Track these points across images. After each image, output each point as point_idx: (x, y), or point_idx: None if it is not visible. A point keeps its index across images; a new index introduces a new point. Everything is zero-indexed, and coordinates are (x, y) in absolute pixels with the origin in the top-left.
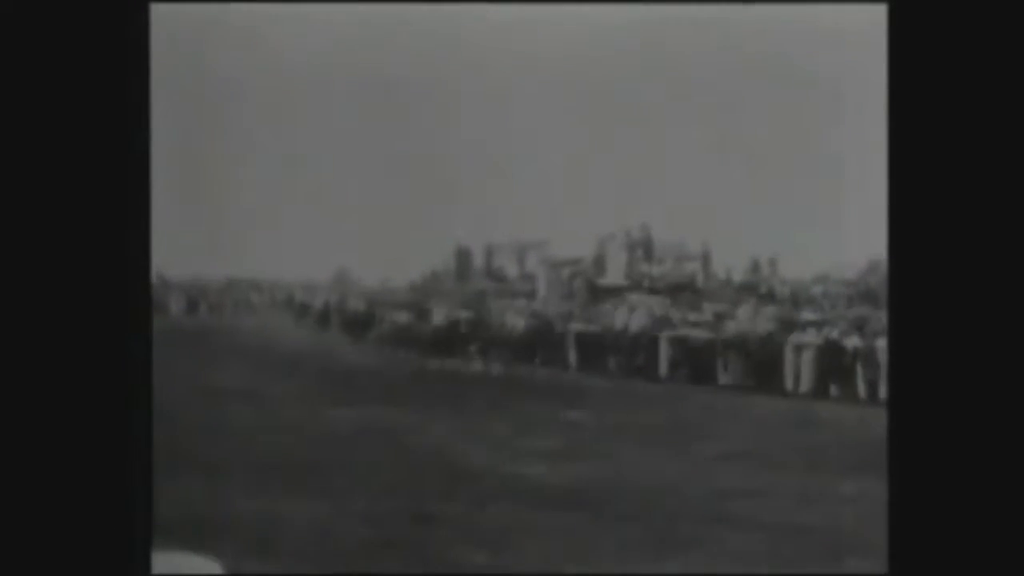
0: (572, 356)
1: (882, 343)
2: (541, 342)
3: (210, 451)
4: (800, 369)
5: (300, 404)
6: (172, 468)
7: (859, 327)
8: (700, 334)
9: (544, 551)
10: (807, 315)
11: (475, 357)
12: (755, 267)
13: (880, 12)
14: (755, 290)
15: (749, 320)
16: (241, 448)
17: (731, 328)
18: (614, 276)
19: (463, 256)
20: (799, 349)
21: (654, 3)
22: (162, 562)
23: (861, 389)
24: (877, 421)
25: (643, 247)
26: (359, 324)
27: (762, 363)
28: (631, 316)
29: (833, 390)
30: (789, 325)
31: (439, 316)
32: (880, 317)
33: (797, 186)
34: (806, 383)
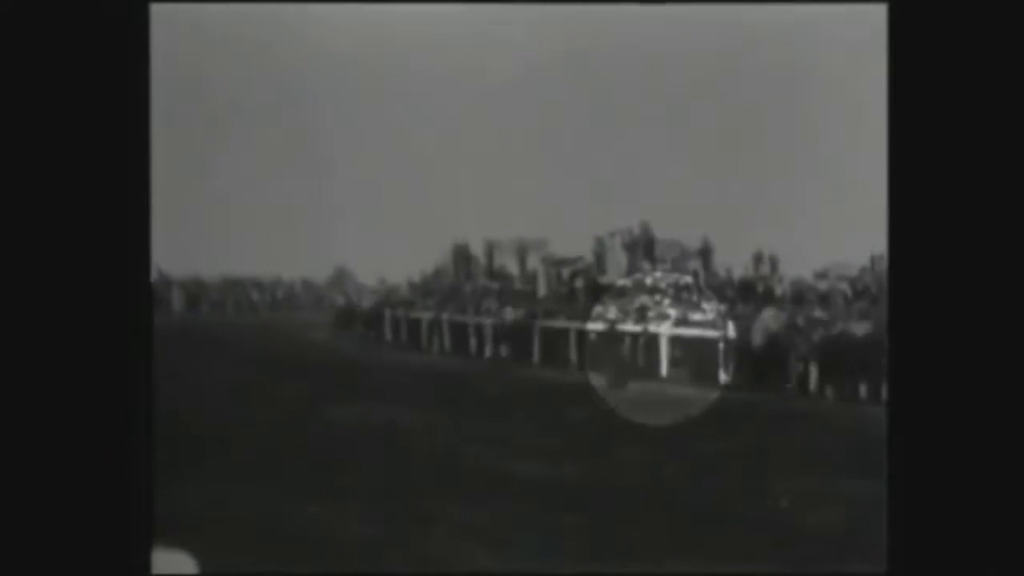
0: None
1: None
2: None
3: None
4: (800, 368)
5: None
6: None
7: (859, 325)
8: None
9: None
10: (809, 313)
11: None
12: (756, 264)
13: (880, 12)
14: (754, 288)
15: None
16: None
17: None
18: (615, 275)
19: (461, 254)
20: (799, 348)
21: (656, 3)
22: None
23: (862, 388)
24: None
25: (644, 246)
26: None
27: (763, 362)
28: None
29: (833, 389)
30: (790, 323)
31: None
32: (879, 315)
33: (798, 184)
34: (807, 382)
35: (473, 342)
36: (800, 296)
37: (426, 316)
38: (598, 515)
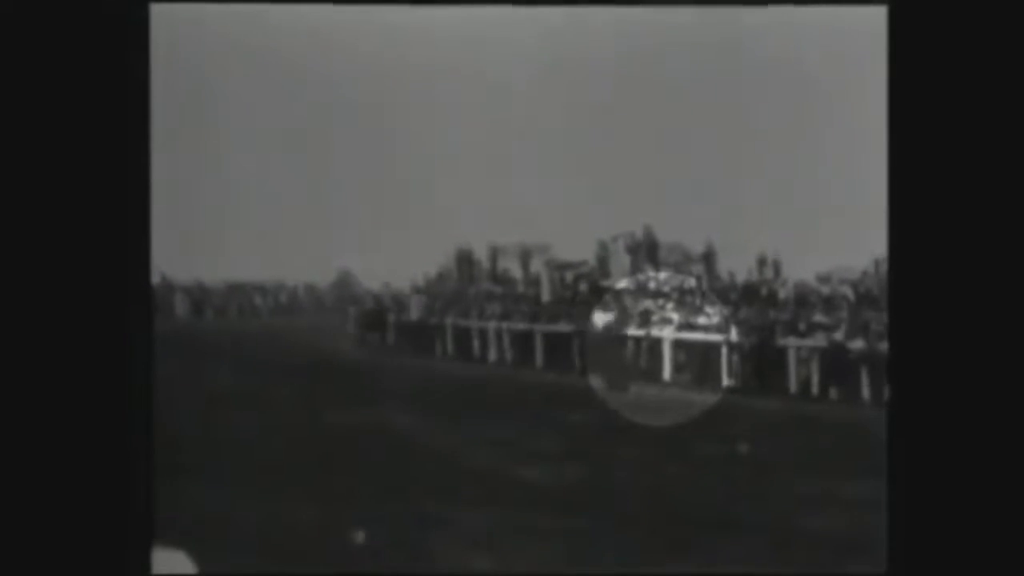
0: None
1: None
2: None
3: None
4: (803, 371)
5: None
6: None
7: (863, 329)
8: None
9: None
10: (812, 317)
11: None
12: (759, 268)
13: (880, 12)
14: (758, 292)
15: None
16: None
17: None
18: (618, 278)
19: (465, 258)
20: (802, 351)
21: (655, 5)
22: None
23: (865, 391)
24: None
25: (646, 249)
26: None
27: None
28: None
29: (836, 393)
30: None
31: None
32: (883, 318)
33: (801, 186)
34: (810, 385)
35: (476, 346)
36: (803, 299)
37: (429, 321)
38: (600, 518)
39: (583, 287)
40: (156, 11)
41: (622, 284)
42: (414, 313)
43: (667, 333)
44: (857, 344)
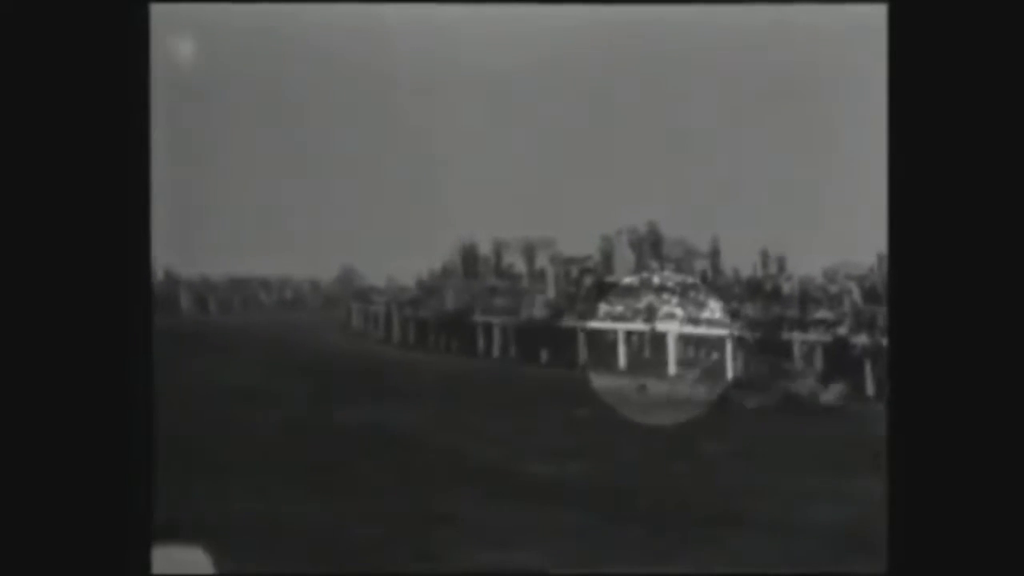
0: None
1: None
2: None
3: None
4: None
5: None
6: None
7: (869, 324)
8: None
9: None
10: (816, 313)
11: None
12: (763, 264)
13: (880, 11)
14: (762, 287)
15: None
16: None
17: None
18: (623, 273)
19: (470, 253)
20: (806, 346)
21: (656, 3)
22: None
23: (870, 387)
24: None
25: (651, 244)
26: None
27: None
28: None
29: (840, 387)
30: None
31: None
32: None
33: (803, 183)
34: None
35: (481, 341)
36: (807, 295)
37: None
38: (602, 514)
39: (588, 282)
40: (156, 11)
41: (627, 279)
42: (538, 312)
43: (672, 328)
44: (861, 339)
